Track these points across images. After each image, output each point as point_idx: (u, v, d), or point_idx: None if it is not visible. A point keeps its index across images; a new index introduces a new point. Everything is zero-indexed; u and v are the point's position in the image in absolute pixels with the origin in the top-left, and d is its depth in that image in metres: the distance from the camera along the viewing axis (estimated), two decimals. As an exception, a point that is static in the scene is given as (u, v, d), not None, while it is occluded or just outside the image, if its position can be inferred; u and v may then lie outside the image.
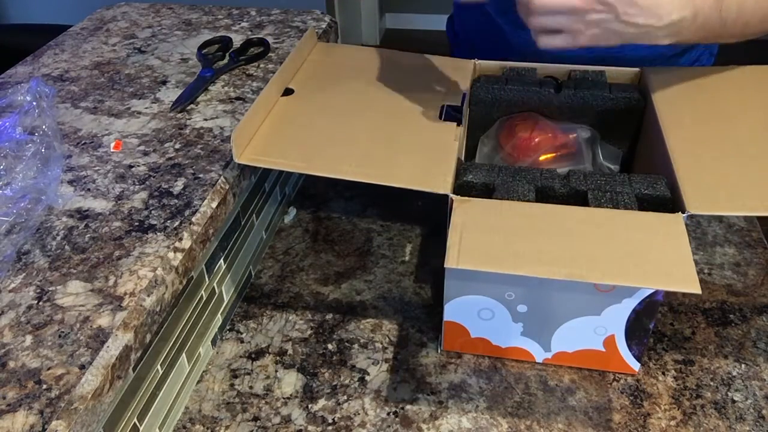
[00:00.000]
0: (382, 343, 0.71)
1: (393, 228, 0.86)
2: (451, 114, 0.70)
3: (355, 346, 0.71)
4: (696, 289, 0.51)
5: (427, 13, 3.45)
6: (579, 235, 0.56)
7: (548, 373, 0.67)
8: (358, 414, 0.64)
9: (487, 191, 0.62)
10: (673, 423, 0.62)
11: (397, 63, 0.81)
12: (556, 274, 0.53)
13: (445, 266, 0.53)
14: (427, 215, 0.88)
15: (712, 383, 0.66)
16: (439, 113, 0.70)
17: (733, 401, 0.64)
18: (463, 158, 0.79)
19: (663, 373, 0.67)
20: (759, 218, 0.85)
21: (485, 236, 0.56)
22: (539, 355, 0.67)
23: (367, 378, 0.67)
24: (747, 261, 0.79)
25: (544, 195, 0.62)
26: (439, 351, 0.69)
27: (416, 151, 0.65)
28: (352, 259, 0.81)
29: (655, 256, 0.54)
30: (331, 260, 0.81)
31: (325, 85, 0.77)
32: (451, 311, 0.65)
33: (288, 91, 0.75)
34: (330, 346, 0.71)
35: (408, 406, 0.64)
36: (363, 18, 3.34)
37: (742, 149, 0.65)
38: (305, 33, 0.83)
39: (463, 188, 0.63)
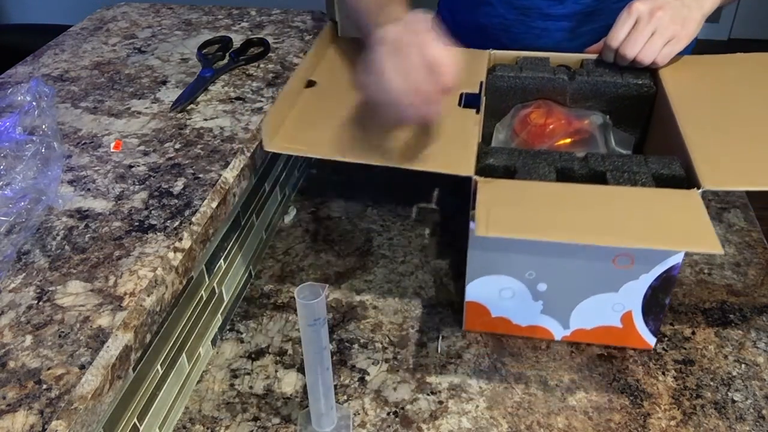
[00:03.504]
0: (382, 343, 0.71)
1: (393, 228, 0.86)
2: (470, 101, 0.72)
3: (355, 346, 0.71)
4: (718, 249, 0.52)
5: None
6: (601, 208, 0.59)
7: (548, 373, 0.67)
8: (358, 414, 0.63)
9: (508, 174, 0.64)
10: (673, 423, 0.62)
11: None
12: (581, 239, 0.56)
13: (475, 235, 0.56)
14: (427, 215, 0.88)
15: (712, 383, 0.66)
16: (458, 101, 0.72)
17: (733, 401, 0.64)
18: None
19: (663, 373, 0.67)
20: (759, 218, 0.85)
21: (511, 210, 0.58)
22: (558, 332, 0.68)
23: (367, 378, 0.67)
24: (747, 261, 0.79)
25: (564, 176, 0.64)
26: (461, 330, 0.71)
27: (438, 137, 0.66)
28: (352, 259, 0.81)
29: (675, 224, 0.56)
30: (331, 260, 0.81)
31: (347, 76, 0.78)
32: (473, 291, 0.67)
33: (311, 83, 0.76)
34: (330, 346, 0.71)
35: (408, 406, 0.64)
36: (363, 18, 3.33)
37: (752, 131, 0.67)
38: (324, 28, 0.86)
39: (484, 171, 0.64)
